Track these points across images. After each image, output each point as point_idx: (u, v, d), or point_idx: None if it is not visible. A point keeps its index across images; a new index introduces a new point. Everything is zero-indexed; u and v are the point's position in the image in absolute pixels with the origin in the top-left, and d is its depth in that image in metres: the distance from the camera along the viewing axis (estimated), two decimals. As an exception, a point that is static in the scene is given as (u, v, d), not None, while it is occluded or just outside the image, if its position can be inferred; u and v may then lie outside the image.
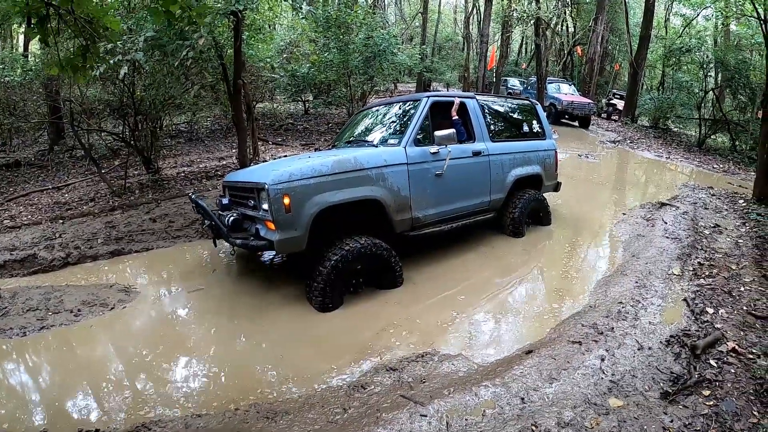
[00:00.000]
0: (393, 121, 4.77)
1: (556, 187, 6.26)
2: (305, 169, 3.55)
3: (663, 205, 6.98)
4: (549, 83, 17.74)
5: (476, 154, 4.83)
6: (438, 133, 4.26)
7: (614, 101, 20.69)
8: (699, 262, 4.68)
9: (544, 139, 5.95)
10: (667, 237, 5.46)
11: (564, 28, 28.05)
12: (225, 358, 3.25)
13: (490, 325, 3.69)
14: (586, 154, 11.72)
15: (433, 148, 4.33)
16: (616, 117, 19.58)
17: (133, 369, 3.18)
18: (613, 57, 25.53)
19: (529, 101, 6.09)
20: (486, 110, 5.25)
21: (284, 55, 13.02)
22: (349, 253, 3.70)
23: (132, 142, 6.71)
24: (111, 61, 4.39)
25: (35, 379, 3.16)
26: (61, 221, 6.07)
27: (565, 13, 26.16)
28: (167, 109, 6.60)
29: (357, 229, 4.02)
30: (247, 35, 6.65)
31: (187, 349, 3.38)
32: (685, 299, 3.89)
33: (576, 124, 16.99)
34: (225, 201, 4.07)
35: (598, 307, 3.83)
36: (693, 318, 3.57)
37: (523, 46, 34.50)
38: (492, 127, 5.25)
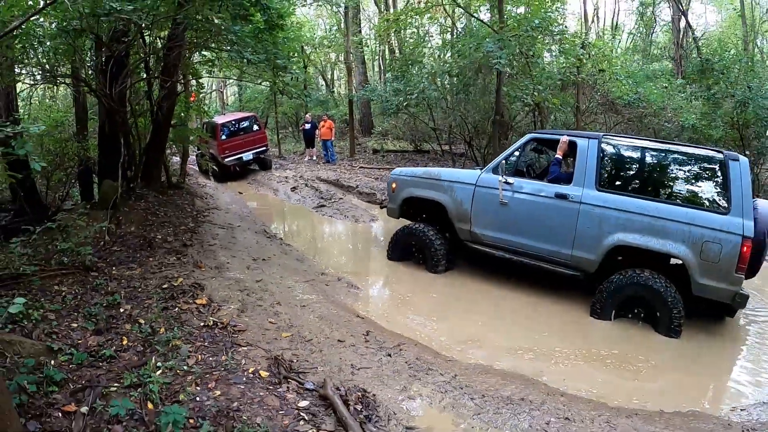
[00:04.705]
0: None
1: (734, 301, 4.06)
2: (408, 171, 6.13)
3: None
4: None
5: (560, 196, 4.68)
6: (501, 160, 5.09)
7: None
8: None
9: (724, 216, 4.07)
10: None
11: None
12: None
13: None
14: None
15: (508, 179, 4.99)
16: None
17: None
18: None
19: (722, 155, 4.35)
20: (608, 156, 4.87)
21: None
22: (400, 233, 5.80)
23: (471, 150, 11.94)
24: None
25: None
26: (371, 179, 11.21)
27: None
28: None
29: (436, 222, 5.65)
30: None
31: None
32: None
33: None
34: None
35: None
36: None
37: None
38: (608, 176, 4.78)
